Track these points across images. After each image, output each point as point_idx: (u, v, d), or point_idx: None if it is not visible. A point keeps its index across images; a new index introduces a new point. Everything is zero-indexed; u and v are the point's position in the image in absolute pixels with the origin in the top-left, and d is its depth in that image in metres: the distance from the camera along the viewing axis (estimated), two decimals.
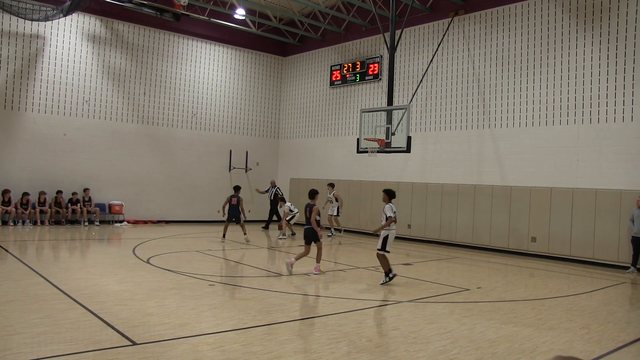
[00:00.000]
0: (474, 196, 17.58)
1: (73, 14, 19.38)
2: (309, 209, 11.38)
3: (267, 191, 21.79)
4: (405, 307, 8.67)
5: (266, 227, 21.45)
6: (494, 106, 17.38)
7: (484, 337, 6.97)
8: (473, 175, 17.76)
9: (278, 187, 21.66)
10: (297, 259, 11.31)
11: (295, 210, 18.76)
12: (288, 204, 18.97)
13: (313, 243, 11.38)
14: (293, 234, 18.88)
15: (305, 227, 11.44)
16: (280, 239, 18.03)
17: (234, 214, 16.87)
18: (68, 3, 18.05)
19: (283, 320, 7.45)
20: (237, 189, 17.55)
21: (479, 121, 17.75)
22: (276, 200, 21.19)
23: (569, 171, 15.48)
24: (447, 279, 11.67)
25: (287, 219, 18.58)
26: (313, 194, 11.76)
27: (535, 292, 10.67)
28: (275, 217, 21.50)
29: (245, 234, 16.69)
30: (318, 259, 11.35)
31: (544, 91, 16.16)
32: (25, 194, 18.49)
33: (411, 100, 19.20)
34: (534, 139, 16.30)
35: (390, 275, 10.45)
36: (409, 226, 19.32)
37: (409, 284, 10.80)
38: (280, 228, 18.84)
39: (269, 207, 21.76)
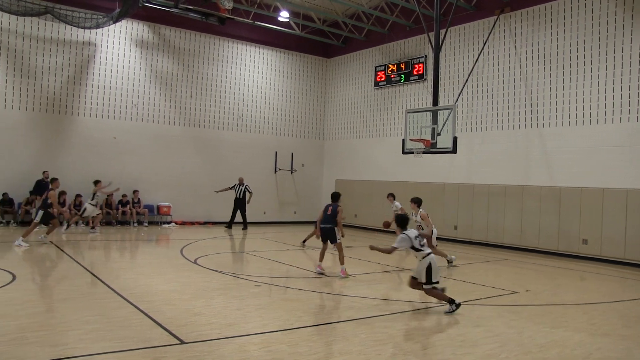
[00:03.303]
0: (521, 197, 17.22)
1: (122, 21, 19.96)
2: (331, 208, 11.27)
3: (232, 188, 20.77)
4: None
5: (229, 227, 20.76)
6: (542, 105, 16.99)
7: (534, 342, 6.82)
8: (520, 176, 17.39)
9: (247, 185, 20.85)
10: (321, 260, 11.36)
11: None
12: (397, 203, 16.81)
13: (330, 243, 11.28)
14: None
15: (322, 226, 11.31)
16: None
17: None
18: (118, 10, 18.63)
19: (329, 321, 7.48)
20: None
21: (527, 121, 17.38)
22: (244, 198, 20.66)
23: (621, 171, 14.97)
24: (494, 281, 11.48)
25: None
26: (337, 196, 11.66)
27: (587, 296, 10.38)
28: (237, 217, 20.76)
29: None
30: (341, 261, 11.17)
31: (595, 89, 15.70)
32: (78, 195, 19.12)
33: (457, 100, 18.96)
34: (584, 139, 15.84)
35: (456, 302, 8.27)
36: (455, 227, 19.08)
37: (455, 286, 10.66)
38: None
39: (239, 207, 20.87)
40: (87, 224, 18.34)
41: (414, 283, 8.46)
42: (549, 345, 6.72)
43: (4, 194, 18.25)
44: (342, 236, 11.35)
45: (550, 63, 16.83)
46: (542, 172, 16.82)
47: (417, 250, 8.26)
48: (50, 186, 14.44)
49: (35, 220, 14.20)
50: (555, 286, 11.48)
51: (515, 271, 13.30)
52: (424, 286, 8.28)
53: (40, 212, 14.09)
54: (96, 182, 17.83)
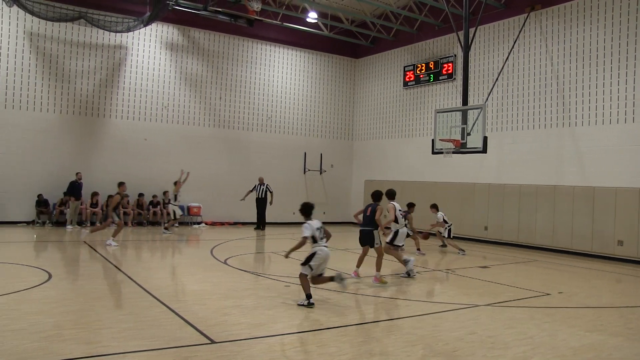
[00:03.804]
0: (553, 197, 16.93)
1: (152, 24, 20.27)
2: (370, 208, 10.49)
3: (252, 190, 20.66)
4: (482, 310, 8.48)
5: (259, 227, 20.69)
6: (574, 104, 16.69)
7: (567, 345, 6.70)
8: (552, 176, 17.11)
9: (268, 185, 20.83)
10: (358, 266, 10.72)
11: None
12: (440, 214, 16.29)
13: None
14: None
15: (361, 229, 10.61)
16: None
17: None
18: (148, 14, 18.93)
19: (358, 322, 7.47)
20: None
21: (558, 119, 17.09)
22: (265, 198, 20.58)
23: None
24: (525, 282, 11.30)
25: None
26: (378, 195, 10.82)
27: (624, 299, 10.15)
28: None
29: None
30: (378, 267, 10.36)
31: (631, 86, 15.35)
32: (110, 196, 19.43)
33: (487, 99, 18.74)
34: (618, 137, 15.51)
35: (311, 301, 8.24)
36: (486, 228, 18.86)
37: (485, 287, 10.56)
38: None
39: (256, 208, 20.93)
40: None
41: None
42: (583, 349, 6.58)
43: (39, 195, 18.70)
44: (384, 235, 10.67)
45: (583, 60, 16.52)
46: (575, 172, 16.52)
47: (314, 241, 8.41)
48: (117, 190, 15.12)
49: (114, 221, 14.98)
50: (589, 288, 11.25)
51: (547, 272, 13.08)
52: (301, 266, 8.40)
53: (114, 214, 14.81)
54: (175, 183, 18.44)
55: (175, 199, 18.46)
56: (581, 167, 16.38)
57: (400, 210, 11.51)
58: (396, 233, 11.41)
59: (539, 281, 11.61)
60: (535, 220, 17.40)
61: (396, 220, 11.38)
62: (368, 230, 10.44)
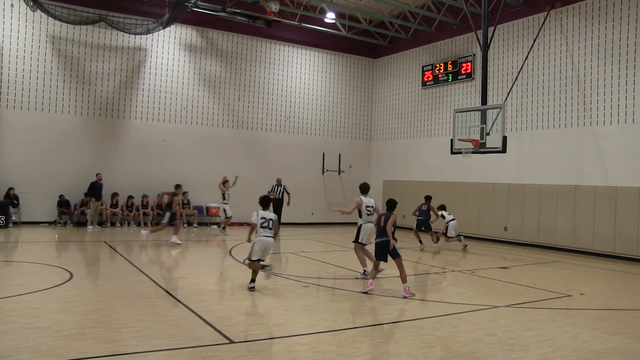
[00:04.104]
0: (574, 197, 16.73)
1: (171, 26, 20.43)
2: (384, 218, 9.70)
3: (270, 191, 20.38)
4: (501, 312, 8.40)
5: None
6: (595, 103, 16.47)
7: (590, 348, 6.60)
8: (573, 176, 16.90)
9: (285, 186, 20.64)
10: (373, 277, 9.76)
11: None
12: (444, 212, 16.71)
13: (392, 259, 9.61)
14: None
15: (377, 240, 9.66)
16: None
17: (424, 220, 16.24)
18: (167, 16, 19.10)
19: (377, 322, 7.45)
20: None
21: (579, 119, 16.88)
22: (282, 199, 20.43)
23: None
24: (546, 283, 11.18)
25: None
26: (394, 204, 9.97)
27: None
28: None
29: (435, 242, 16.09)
30: (404, 278, 9.41)
31: None
32: (130, 197, 19.70)
33: (506, 98, 18.58)
34: None
35: (254, 286, 9.25)
36: (505, 228, 18.70)
37: (505, 288, 10.47)
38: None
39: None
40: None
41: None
42: (607, 352, 6.48)
43: (61, 196, 18.96)
44: (391, 248, 9.46)
45: (605, 58, 16.30)
46: (596, 172, 16.30)
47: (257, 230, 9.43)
48: (174, 191, 15.73)
49: (163, 222, 15.42)
50: (612, 290, 11.08)
51: (568, 273, 12.92)
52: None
53: (167, 214, 15.21)
54: (224, 182, 18.58)
55: (224, 198, 18.52)
56: (603, 167, 16.15)
57: (368, 206, 10.97)
58: (359, 229, 10.90)
59: (560, 282, 11.48)
60: (556, 220, 17.21)
61: (360, 215, 10.94)
62: (386, 240, 9.47)
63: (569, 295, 9.91)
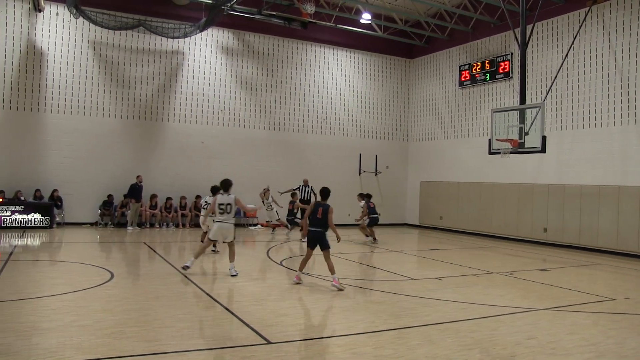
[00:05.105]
0: (617, 198, 16.27)
1: (208, 29, 20.71)
2: (322, 210, 9.82)
3: (296, 189, 19.89)
4: (542, 315, 8.23)
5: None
6: None
7: (637, 354, 6.40)
8: (616, 176, 16.45)
9: (312, 187, 19.97)
10: (301, 268, 10.12)
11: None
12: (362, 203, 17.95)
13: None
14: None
15: (311, 229, 9.84)
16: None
17: None
18: (204, 19, 19.37)
19: (414, 324, 7.39)
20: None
21: (622, 117, 16.42)
22: (309, 200, 19.82)
23: None
24: (588, 286, 10.91)
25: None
26: (328, 193, 10.10)
27: None
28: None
29: None
30: (331, 270, 9.72)
31: None
32: (169, 198, 20.04)
33: (545, 97, 18.20)
34: None
35: (189, 265, 10.76)
36: (545, 230, 18.33)
37: (545, 291, 10.25)
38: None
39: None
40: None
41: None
42: None
43: (109, 196, 19.43)
44: (339, 241, 10.20)
45: None
46: None
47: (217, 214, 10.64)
48: (292, 199, 17.09)
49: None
50: None
51: (612, 277, 12.58)
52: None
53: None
54: (265, 192, 19.16)
55: (265, 206, 18.98)
56: None
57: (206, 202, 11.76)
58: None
59: (603, 285, 11.18)
60: (598, 221, 16.77)
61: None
62: (320, 231, 9.77)
63: (613, 299, 9.64)
